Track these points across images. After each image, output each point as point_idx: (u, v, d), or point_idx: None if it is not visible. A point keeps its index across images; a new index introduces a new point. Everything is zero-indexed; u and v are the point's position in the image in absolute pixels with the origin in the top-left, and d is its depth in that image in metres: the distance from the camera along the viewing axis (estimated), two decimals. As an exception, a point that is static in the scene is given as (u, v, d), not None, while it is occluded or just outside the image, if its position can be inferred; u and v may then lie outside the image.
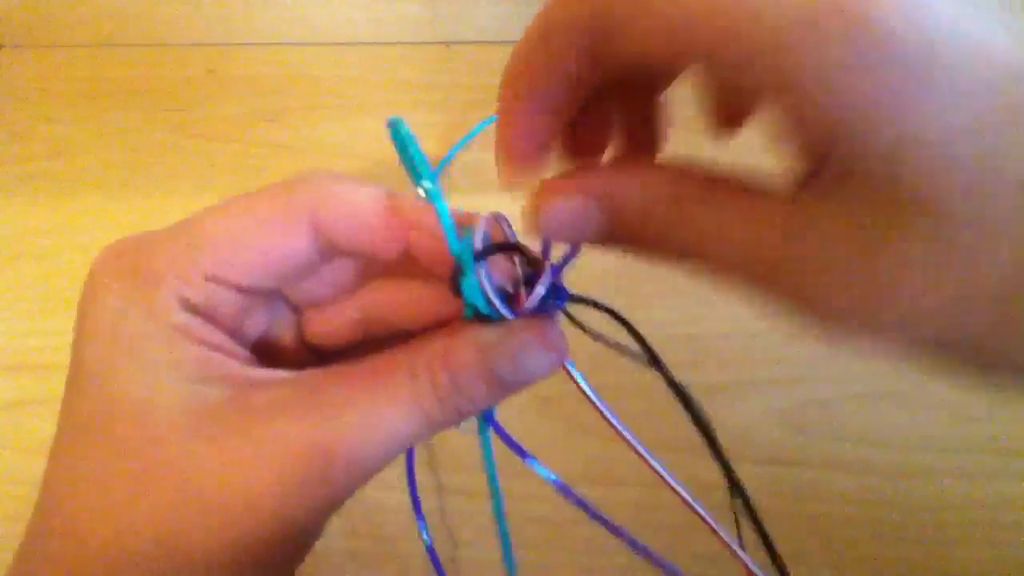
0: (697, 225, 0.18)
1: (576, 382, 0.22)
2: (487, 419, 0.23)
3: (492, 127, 0.22)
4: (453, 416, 0.20)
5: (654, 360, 0.22)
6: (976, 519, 0.31)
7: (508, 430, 0.23)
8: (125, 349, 0.19)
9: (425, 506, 0.32)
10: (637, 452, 0.22)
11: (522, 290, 0.20)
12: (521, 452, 0.23)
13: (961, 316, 0.16)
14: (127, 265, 0.20)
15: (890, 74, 0.14)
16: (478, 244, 0.20)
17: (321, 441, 0.19)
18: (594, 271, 0.37)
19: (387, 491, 0.33)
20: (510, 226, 0.21)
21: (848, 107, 0.14)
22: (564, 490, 0.23)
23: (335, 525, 0.32)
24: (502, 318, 0.20)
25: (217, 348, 0.20)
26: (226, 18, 0.52)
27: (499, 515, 0.24)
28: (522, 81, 0.19)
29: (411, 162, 0.20)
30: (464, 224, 0.20)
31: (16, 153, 0.48)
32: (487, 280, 0.20)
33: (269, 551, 0.19)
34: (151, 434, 0.19)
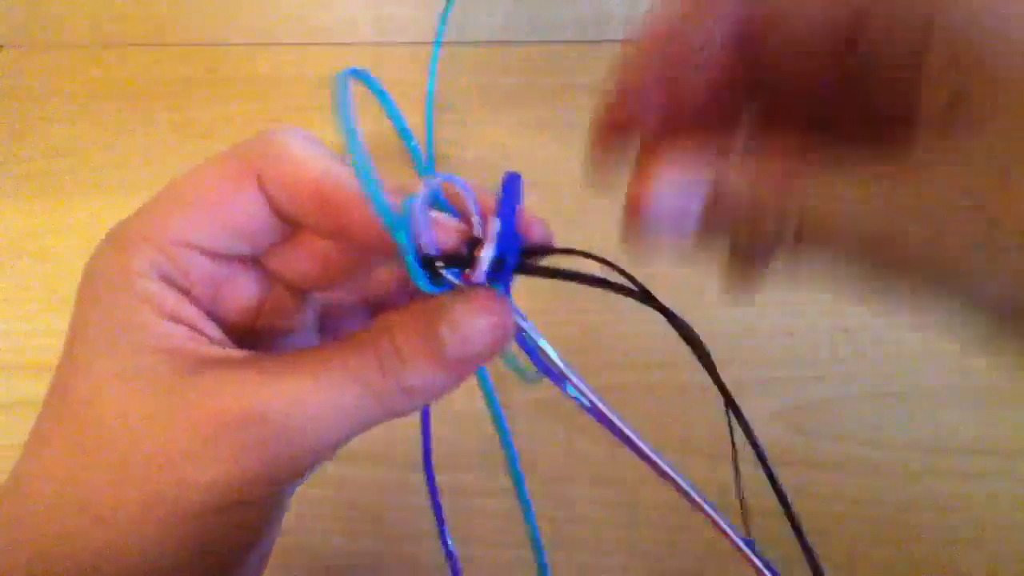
0: (824, 195, 0.17)
1: (534, 344, 0.20)
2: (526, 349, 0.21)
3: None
4: (396, 391, 0.19)
5: (647, 296, 0.20)
6: (976, 519, 0.31)
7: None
8: (96, 313, 0.20)
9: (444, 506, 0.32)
10: (621, 436, 0.21)
11: (482, 252, 0.19)
12: (550, 372, 0.21)
13: None
14: (111, 237, 0.21)
15: None
16: (422, 232, 0.18)
17: (254, 405, 0.18)
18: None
19: (400, 492, 0.33)
20: (464, 184, 0.20)
21: (995, 36, 0.15)
22: (596, 414, 0.21)
23: (339, 525, 0.32)
24: (455, 287, 0.19)
25: (182, 321, 0.20)
26: (226, 18, 0.52)
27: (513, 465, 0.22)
28: (658, 43, 0.18)
29: (347, 125, 0.18)
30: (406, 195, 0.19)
31: (16, 153, 0.48)
32: (430, 247, 0.19)
33: (195, 515, 0.18)
34: (95, 398, 0.19)
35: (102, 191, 0.45)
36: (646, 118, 0.19)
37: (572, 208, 0.43)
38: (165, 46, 0.53)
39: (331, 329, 0.24)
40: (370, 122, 0.21)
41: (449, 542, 0.28)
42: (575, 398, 0.21)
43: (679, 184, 0.18)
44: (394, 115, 0.21)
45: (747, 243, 0.18)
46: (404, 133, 0.20)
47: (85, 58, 0.53)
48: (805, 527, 0.32)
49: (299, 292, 0.23)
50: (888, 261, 0.17)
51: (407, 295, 0.22)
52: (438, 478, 0.32)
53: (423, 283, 0.19)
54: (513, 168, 0.22)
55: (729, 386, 0.34)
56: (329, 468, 0.24)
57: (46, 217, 0.44)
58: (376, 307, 0.24)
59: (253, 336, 0.23)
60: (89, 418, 0.19)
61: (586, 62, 0.51)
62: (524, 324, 0.20)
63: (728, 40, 0.18)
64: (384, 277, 0.24)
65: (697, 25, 0.18)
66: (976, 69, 0.16)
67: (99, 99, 0.50)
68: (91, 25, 0.53)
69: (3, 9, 0.52)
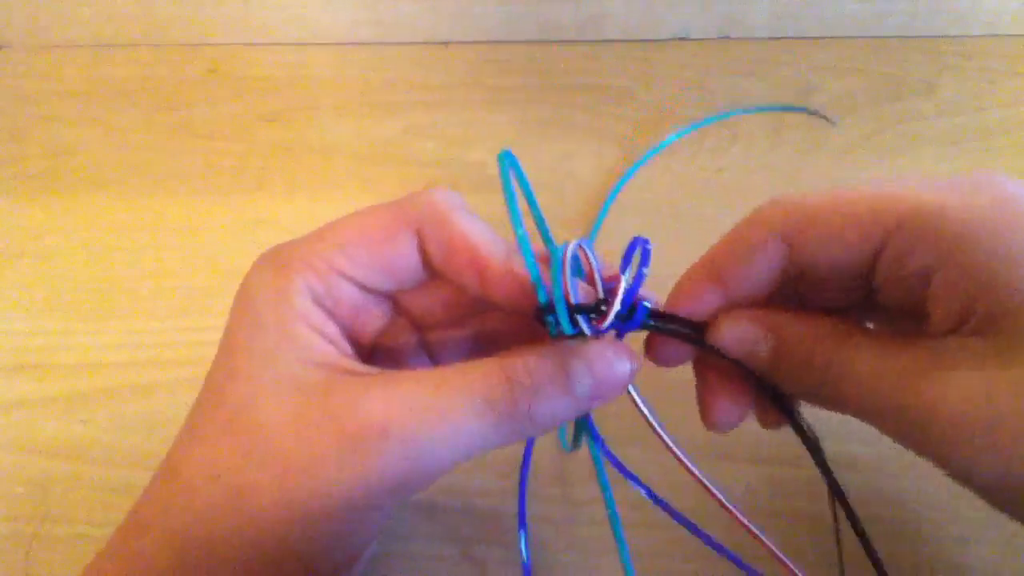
0: (859, 357, 0.21)
1: (635, 403, 0.24)
2: (593, 437, 0.25)
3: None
4: (523, 418, 0.21)
5: (775, 395, 0.24)
6: (976, 519, 0.31)
7: (601, 442, 0.24)
8: (255, 325, 0.22)
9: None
10: (685, 466, 0.24)
11: (611, 310, 0.22)
12: (623, 470, 0.25)
13: None
14: (271, 257, 0.24)
15: None
16: (567, 285, 0.21)
17: (382, 416, 0.20)
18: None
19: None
20: (591, 249, 0.23)
21: (998, 272, 0.19)
22: (662, 504, 0.25)
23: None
24: (583, 335, 0.22)
25: (328, 338, 0.23)
26: (226, 18, 0.52)
27: (615, 526, 0.25)
28: (719, 264, 0.23)
29: (512, 206, 0.21)
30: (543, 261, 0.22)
31: (16, 153, 0.48)
32: (573, 296, 0.21)
33: (328, 515, 0.20)
34: (252, 401, 0.21)
35: (102, 191, 0.45)
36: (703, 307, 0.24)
37: (574, 208, 0.43)
38: (165, 46, 0.53)
39: (436, 357, 0.27)
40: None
41: (524, 549, 0.29)
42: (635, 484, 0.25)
43: (748, 332, 0.23)
44: (527, 191, 0.24)
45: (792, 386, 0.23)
46: (532, 204, 0.24)
47: (85, 58, 0.53)
48: (805, 527, 0.32)
49: (419, 326, 0.26)
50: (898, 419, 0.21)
51: (515, 335, 0.26)
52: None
53: (567, 325, 0.21)
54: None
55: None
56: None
57: (46, 217, 0.44)
58: (482, 342, 0.27)
59: (373, 358, 0.26)
60: (246, 419, 0.21)
61: (586, 62, 0.51)
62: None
63: (772, 265, 0.23)
64: (493, 318, 0.27)
65: (747, 262, 0.23)
66: (982, 295, 0.20)
67: (99, 99, 0.50)
68: (91, 25, 0.53)
69: (3, 9, 0.52)
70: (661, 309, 0.24)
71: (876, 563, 0.23)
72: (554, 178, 0.44)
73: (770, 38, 0.51)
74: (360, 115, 0.48)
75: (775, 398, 0.24)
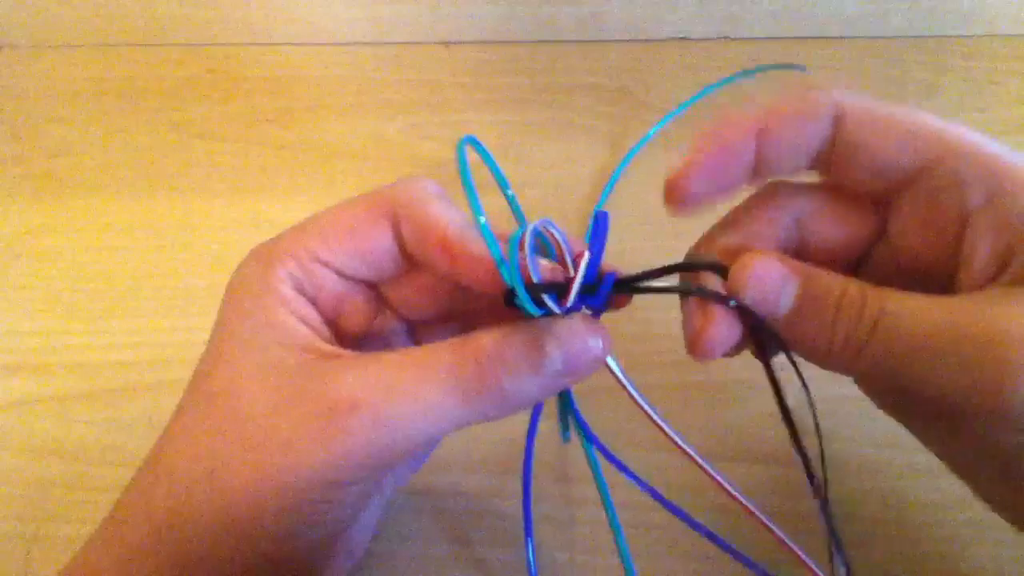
0: (890, 305, 0.20)
1: (616, 375, 0.23)
2: (579, 421, 0.25)
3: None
4: (493, 394, 0.21)
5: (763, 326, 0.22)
6: (976, 519, 0.31)
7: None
8: (240, 313, 0.23)
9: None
10: (679, 446, 0.23)
11: (573, 284, 0.21)
12: (611, 457, 0.25)
13: None
14: (258, 250, 0.24)
15: None
16: (528, 262, 0.21)
17: (353, 392, 0.21)
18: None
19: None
20: (557, 228, 0.22)
21: None
22: (652, 492, 0.25)
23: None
24: (550, 312, 0.22)
25: (309, 324, 0.23)
26: (226, 18, 0.52)
27: (614, 523, 0.26)
28: (758, 123, 0.22)
29: (471, 192, 0.21)
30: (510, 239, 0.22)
31: (16, 153, 0.48)
32: (535, 273, 0.21)
33: (300, 489, 0.21)
34: (232, 384, 0.22)
35: (102, 191, 0.45)
36: (733, 169, 0.23)
37: (573, 208, 0.43)
38: (165, 46, 0.53)
39: (420, 340, 0.28)
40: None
41: (530, 549, 0.29)
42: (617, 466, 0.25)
43: (779, 271, 0.21)
44: (496, 172, 0.25)
45: (819, 333, 0.22)
46: (503, 184, 0.25)
47: (85, 58, 0.53)
48: (804, 527, 0.32)
49: (406, 318, 0.27)
50: (931, 376, 0.20)
51: (495, 317, 0.25)
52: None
53: (529, 305, 0.21)
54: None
55: (729, 385, 0.34)
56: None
57: (46, 217, 0.44)
58: (464, 326, 0.27)
59: (362, 350, 0.25)
60: (226, 403, 0.22)
61: (586, 62, 0.51)
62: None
63: (815, 150, 0.22)
64: (480, 309, 0.27)
65: (794, 125, 0.22)
66: (1020, 244, 0.19)
67: (99, 99, 0.50)
68: (91, 25, 0.53)
69: (3, 9, 0.52)
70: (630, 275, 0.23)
71: (829, 523, 0.23)
72: (553, 178, 0.44)
73: (770, 38, 0.51)
74: (360, 115, 0.48)
75: (769, 335, 0.23)
